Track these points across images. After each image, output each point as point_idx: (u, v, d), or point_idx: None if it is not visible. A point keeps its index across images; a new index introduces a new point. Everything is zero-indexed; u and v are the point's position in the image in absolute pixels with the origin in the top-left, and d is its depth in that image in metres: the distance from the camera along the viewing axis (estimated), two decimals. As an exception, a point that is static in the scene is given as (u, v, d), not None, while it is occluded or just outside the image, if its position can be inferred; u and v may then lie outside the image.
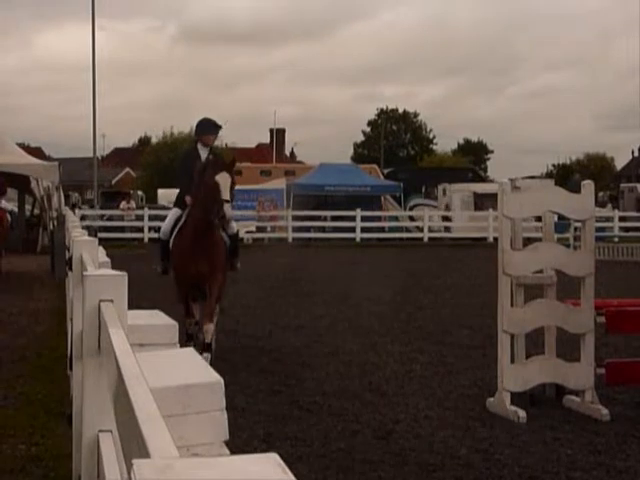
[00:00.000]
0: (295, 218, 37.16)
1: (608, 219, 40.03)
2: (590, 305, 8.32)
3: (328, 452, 6.85)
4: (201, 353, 8.64)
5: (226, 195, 9.66)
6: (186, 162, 10.70)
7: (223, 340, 11.08)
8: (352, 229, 37.24)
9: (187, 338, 10.03)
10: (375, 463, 6.59)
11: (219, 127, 10.96)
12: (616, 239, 35.40)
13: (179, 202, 10.64)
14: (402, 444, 7.10)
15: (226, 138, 77.48)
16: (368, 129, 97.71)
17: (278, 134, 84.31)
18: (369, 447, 7.00)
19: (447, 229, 40.17)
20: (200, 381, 3.07)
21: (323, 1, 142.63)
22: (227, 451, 3.02)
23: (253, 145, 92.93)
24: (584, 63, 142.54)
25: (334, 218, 38.54)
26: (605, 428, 7.63)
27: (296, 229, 37.06)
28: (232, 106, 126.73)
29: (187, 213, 10.24)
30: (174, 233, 10.38)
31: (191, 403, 2.96)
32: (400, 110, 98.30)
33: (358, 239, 36.97)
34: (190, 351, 3.71)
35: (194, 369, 3.26)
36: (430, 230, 38.85)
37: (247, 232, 34.22)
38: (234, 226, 10.72)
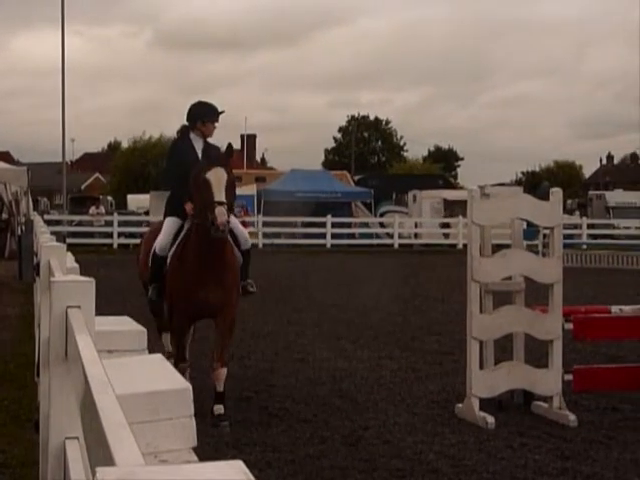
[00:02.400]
0: (265, 224, 37.17)
1: (576, 226, 40.37)
2: (558, 312, 8.38)
3: (297, 458, 6.85)
4: (211, 409, 7.83)
5: (220, 195, 7.60)
6: (178, 157, 8.46)
7: (192, 346, 11.03)
8: (322, 235, 37.30)
9: None
10: (344, 469, 6.60)
11: (220, 112, 8.59)
12: (584, 246, 35.67)
13: (174, 209, 8.42)
14: (371, 450, 7.11)
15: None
16: (339, 135, 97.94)
17: (249, 140, 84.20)
18: (338, 453, 7.01)
19: (446, 236, 40.13)
20: (168, 388, 3.06)
21: (299, 7, 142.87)
22: (195, 457, 3.01)
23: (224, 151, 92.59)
24: (555, 72, 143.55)
25: (305, 224, 38.60)
26: (572, 434, 7.68)
27: (266, 235, 37.07)
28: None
29: (189, 225, 8.20)
30: (173, 249, 8.25)
31: (159, 410, 2.95)
32: (372, 117, 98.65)
33: (328, 245, 37.02)
34: (159, 357, 3.69)
35: (162, 375, 3.25)
36: (400, 237, 39.02)
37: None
38: (248, 240, 8.74)
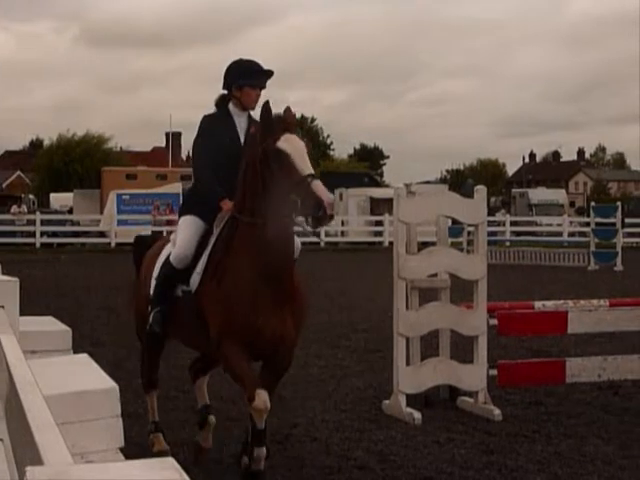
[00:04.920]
0: (191, 222, 36.88)
1: (500, 224, 40.99)
2: (483, 308, 8.49)
3: (225, 457, 6.83)
4: (251, 449, 5.96)
5: (308, 167, 5.31)
6: (209, 137, 6.10)
7: (115, 347, 10.94)
8: (249, 233, 37.14)
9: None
10: (272, 467, 6.59)
11: (267, 73, 6.12)
12: (508, 243, 36.22)
13: (198, 207, 6.22)
14: (299, 448, 7.12)
15: (120, 141, 76.06)
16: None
17: (174, 138, 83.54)
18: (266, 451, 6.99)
19: (372, 233, 40.19)
20: (95, 387, 3.03)
21: (228, 5, 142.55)
22: (122, 458, 2.99)
23: (149, 149, 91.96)
24: (478, 72, 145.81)
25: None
26: (497, 428, 7.79)
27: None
28: (129, 109, 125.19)
29: (225, 225, 6.00)
30: (201, 261, 5.87)
31: (86, 410, 2.92)
32: (297, 115, 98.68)
33: (255, 243, 36.91)
34: (84, 357, 3.65)
35: (89, 375, 3.21)
36: (327, 235, 39.13)
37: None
38: (299, 248, 5.95)
